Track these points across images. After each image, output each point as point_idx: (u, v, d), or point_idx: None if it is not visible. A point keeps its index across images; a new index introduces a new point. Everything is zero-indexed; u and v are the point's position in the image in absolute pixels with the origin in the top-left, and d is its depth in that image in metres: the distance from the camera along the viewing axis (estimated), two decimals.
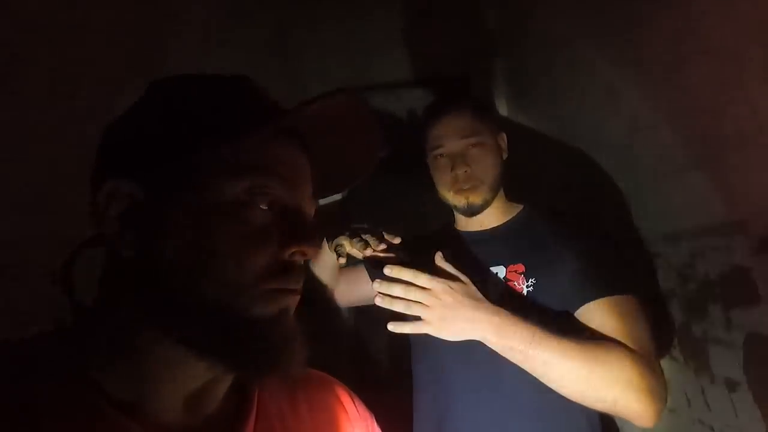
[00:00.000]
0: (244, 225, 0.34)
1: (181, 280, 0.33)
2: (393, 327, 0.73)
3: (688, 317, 0.84)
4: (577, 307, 0.77)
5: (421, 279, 0.72)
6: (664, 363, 0.92)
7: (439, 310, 0.70)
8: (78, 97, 0.67)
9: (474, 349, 0.72)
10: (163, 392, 0.35)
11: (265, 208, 0.35)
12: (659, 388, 0.68)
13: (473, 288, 0.75)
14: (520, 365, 0.70)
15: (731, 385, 0.73)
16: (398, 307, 0.72)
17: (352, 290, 1.03)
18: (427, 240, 1.01)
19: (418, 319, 0.72)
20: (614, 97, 0.89)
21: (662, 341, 0.92)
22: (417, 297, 0.71)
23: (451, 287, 0.72)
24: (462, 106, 0.91)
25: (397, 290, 0.72)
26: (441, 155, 0.90)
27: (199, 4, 0.93)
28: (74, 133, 0.60)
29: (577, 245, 0.81)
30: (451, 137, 0.89)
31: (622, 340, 0.71)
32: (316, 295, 1.01)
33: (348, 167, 0.44)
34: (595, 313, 0.75)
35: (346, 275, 1.04)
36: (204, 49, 0.96)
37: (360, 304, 1.06)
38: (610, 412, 0.70)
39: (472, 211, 0.89)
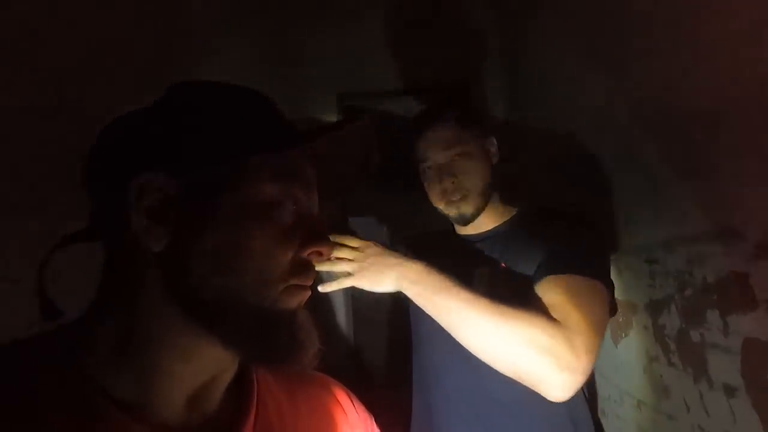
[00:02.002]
0: (275, 224, 0.37)
1: (217, 273, 0.35)
2: (321, 288, 0.78)
3: (686, 323, 0.84)
4: (537, 281, 0.76)
5: (348, 240, 0.78)
6: (663, 369, 0.93)
7: (361, 263, 0.75)
8: (83, 101, 0.68)
9: (466, 351, 0.72)
10: (168, 390, 0.35)
11: (290, 210, 0.38)
12: (571, 360, 0.64)
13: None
14: (432, 315, 0.72)
15: (729, 391, 0.73)
16: (325, 266, 0.77)
17: None
18: (424, 242, 1.03)
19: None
20: (610, 107, 0.91)
21: (660, 348, 0.93)
22: (342, 254, 0.76)
23: (375, 243, 0.77)
24: (444, 118, 0.92)
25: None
26: (429, 168, 0.93)
27: (198, 12, 0.95)
28: (79, 137, 0.61)
29: (550, 236, 0.82)
30: (435, 150, 0.91)
31: (557, 314, 0.69)
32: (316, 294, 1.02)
33: (341, 180, 0.47)
34: (542, 289, 0.74)
35: None
36: (203, 55, 0.97)
37: None
38: (516, 377, 0.68)
39: (465, 221, 0.91)
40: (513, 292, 0.81)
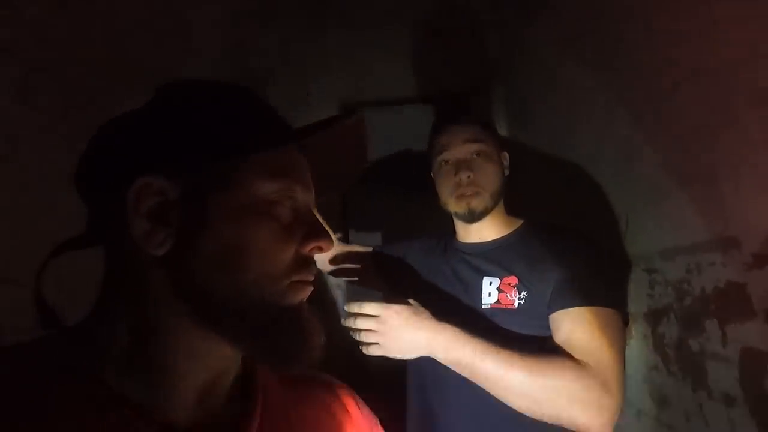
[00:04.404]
0: (274, 221, 0.37)
1: (221, 273, 0.35)
2: (364, 350, 0.78)
3: (684, 333, 0.85)
4: (553, 311, 0.78)
5: (368, 308, 0.77)
6: (663, 379, 0.93)
7: (387, 333, 0.75)
8: (91, 107, 0.69)
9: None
10: (176, 389, 0.36)
11: (288, 207, 0.38)
12: (608, 401, 0.69)
13: (421, 309, 0.78)
14: (469, 378, 0.73)
15: (728, 400, 0.73)
16: (357, 336, 0.78)
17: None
18: (428, 249, 1.03)
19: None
20: (610, 118, 0.92)
21: (660, 357, 0.93)
22: (366, 325, 0.76)
23: (396, 310, 0.76)
24: (470, 118, 0.96)
25: (350, 322, 0.78)
26: (446, 161, 0.93)
27: (206, 19, 0.96)
28: (84, 139, 0.62)
29: (564, 258, 0.82)
30: (457, 143, 0.92)
31: (584, 352, 0.72)
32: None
33: (336, 175, 0.47)
34: (564, 322, 0.76)
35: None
36: (210, 60, 0.99)
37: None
38: (560, 425, 0.71)
39: (472, 218, 0.91)
40: (525, 304, 0.82)
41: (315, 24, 1.33)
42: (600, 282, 0.80)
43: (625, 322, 0.85)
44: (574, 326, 0.75)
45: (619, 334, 0.76)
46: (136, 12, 0.76)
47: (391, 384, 0.99)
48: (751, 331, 0.67)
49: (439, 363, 0.85)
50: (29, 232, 0.60)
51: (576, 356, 0.73)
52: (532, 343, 0.79)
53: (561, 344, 0.76)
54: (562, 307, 0.77)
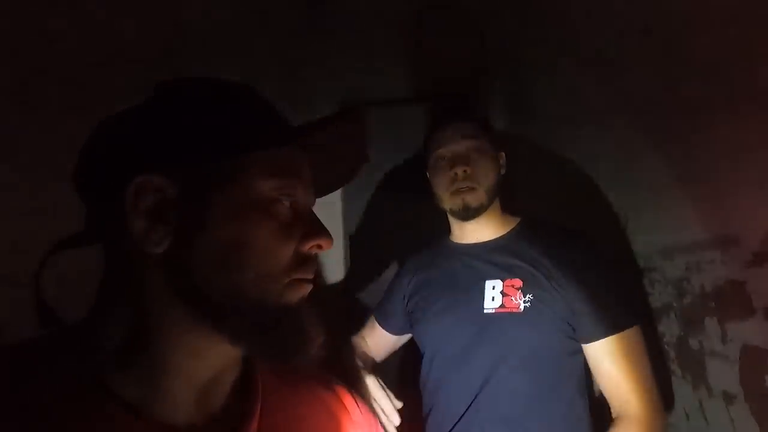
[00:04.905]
0: (274, 220, 0.37)
1: (220, 271, 0.35)
2: None
3: (684, 330, 0.85)
4: (586, 342, 0.79)
5: None
6: (663, 377, 0.93)
7: None
8: (88, 106, 0.69)
9: (469, 359, 0.75)
10: (175, 389, 0.36)
11: (288, 205, 0.38)
12: (661, 422, 0.75)
13: None
14: None
15: (728, 398, 0.73)
16: None
17: (380, 350, 1.02)
18: (425, 252, 1.02)
19: None
20: (609, 115, 0.92)
21: (660, 355, 0.93)
22: None
23: None
24: (468, 116, 0.96)
25: None
26: (442, 157, 0.92)
27: (204, 17, 0.96)
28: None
29: (577, 269, 0.81)
30: (454, 138, 0.91)
31: (626, 386, 0.76)
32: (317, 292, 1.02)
33: (334, 174, 0.47)
34: (605, 352, 0.78)
35: (366, 340, 1.02)
36: (208, 59, 0.98)
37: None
38: None
39: (467, 214, 0.89)
40: (532, 308, 0.81)
41: (314, 23, 1.33)
42: (620, 298, 0.81)
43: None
44: (611, 362, 0.77)
45: (644, 349, 0.79)
46: (136, 12, 0.77)
47: (392, 382, 0.99)
48: (751, 329, 0.67)
49: (447, 377, 0.85)
50: (29, 232, 0.60)
51: (621, 389, 0.76)
52: (542, 347, 0.79)
53: (603, 378, 0.79)
54: (593, 338, 0.78)
